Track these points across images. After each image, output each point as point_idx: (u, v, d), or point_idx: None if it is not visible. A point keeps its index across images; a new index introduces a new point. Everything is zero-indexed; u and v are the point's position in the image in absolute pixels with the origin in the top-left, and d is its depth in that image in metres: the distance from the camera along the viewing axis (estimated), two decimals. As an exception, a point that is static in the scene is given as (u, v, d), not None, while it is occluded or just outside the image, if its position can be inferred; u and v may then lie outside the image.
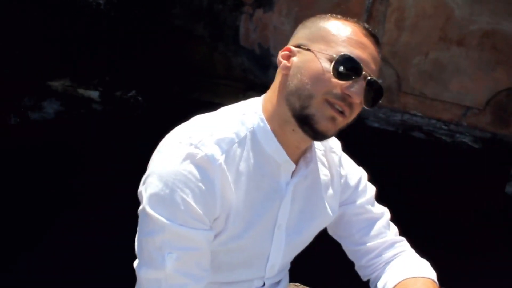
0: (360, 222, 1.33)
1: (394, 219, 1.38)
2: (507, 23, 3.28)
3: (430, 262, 1.31)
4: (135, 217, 1.11)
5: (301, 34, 1.14)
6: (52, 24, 3.82)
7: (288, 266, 1.40)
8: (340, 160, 1.32)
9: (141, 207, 1.07)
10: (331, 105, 1.05)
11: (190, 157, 1.03)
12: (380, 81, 1.09)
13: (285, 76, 1.11)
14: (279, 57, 1.13)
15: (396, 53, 3.55)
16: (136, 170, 1.24)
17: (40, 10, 3.80)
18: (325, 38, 1.08)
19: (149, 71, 3.83)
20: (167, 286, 1.04)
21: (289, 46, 1.13)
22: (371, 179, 1.39)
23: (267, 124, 1.12)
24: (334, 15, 1.14)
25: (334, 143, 1.33)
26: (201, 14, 3.95)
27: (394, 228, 1.37)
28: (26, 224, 2.69)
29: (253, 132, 1.12)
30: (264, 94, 1.19)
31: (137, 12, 3.85)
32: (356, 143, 2.18)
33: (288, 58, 1.12)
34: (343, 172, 1.32)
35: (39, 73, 3.88)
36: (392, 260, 1.31)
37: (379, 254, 1.31)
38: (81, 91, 3.94)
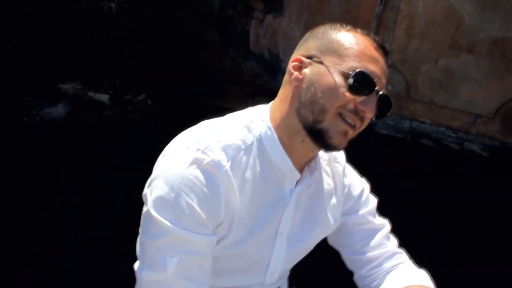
0: (362, 232, 1.35)
1: (401, 227, 1.38)
2: (517, 31, 3.27)
3: (429, 274, 1.32)
4: (138, 219, 1.12)
5: (312, 45, 1.13)
6: (63, 28, 3.87)
7: (288, 272, 1.40)
8: (343, 170, 1.34)
9: (145, 209, 1.08)
10: (343, 119, 1.07)
11: (196, 162, 1.04)
12: (390, 97, 1.11)
13: (297, 88, 1.11)
14: (290, 68, 1.14)
15: (405, 60, 3.54)
16: (143, 173, 1.25)
17: (52, 13, 3.85)
18: (338, 52, 1.08)
19: (159, 75, 3.85)
20: (168, 289, 1.05)
21: (300, 57, 1.13)
22: (378, 186, 1.39)
23: (274, 132, 1.13)
24: (344, 25, 1.14)
25: (338, 153, 1.34)
26: (212, 19, 3.96)
27: (394, 240, 1.39)
28: (26, 224, 2.71)
29: (259, 140, 1.13)
30: (272, 102, 1.19)
31: (148, 16, 3.88)
32: (365, 150, 2.18)
33: (299, 69, 1.12)
34: (346, 182, 1.34)
35: (50, 76, 3.93)
36: (391, 270, 1.33)
37: (379, 264, 1.33)
38: (91, 94, 3.98)
